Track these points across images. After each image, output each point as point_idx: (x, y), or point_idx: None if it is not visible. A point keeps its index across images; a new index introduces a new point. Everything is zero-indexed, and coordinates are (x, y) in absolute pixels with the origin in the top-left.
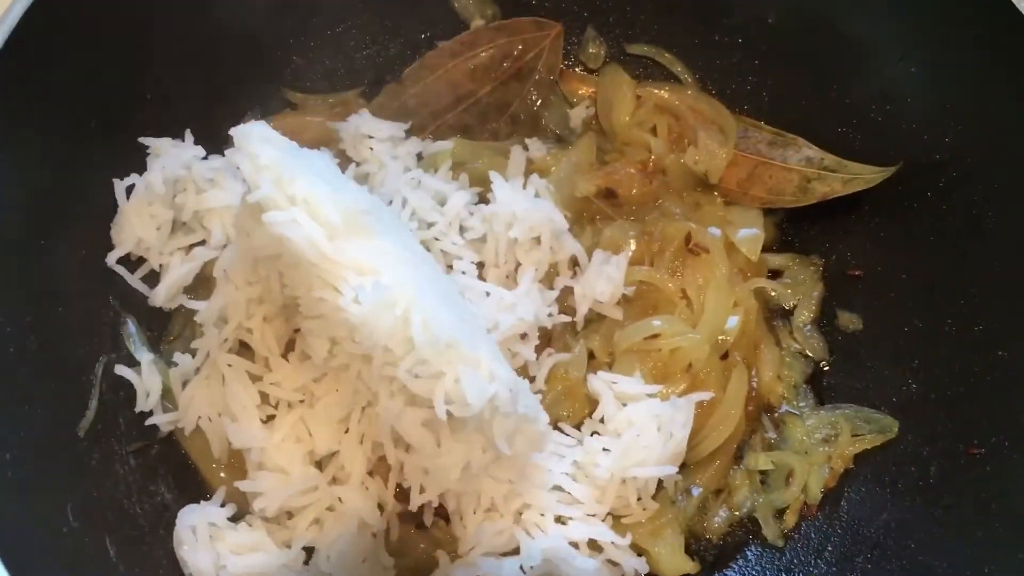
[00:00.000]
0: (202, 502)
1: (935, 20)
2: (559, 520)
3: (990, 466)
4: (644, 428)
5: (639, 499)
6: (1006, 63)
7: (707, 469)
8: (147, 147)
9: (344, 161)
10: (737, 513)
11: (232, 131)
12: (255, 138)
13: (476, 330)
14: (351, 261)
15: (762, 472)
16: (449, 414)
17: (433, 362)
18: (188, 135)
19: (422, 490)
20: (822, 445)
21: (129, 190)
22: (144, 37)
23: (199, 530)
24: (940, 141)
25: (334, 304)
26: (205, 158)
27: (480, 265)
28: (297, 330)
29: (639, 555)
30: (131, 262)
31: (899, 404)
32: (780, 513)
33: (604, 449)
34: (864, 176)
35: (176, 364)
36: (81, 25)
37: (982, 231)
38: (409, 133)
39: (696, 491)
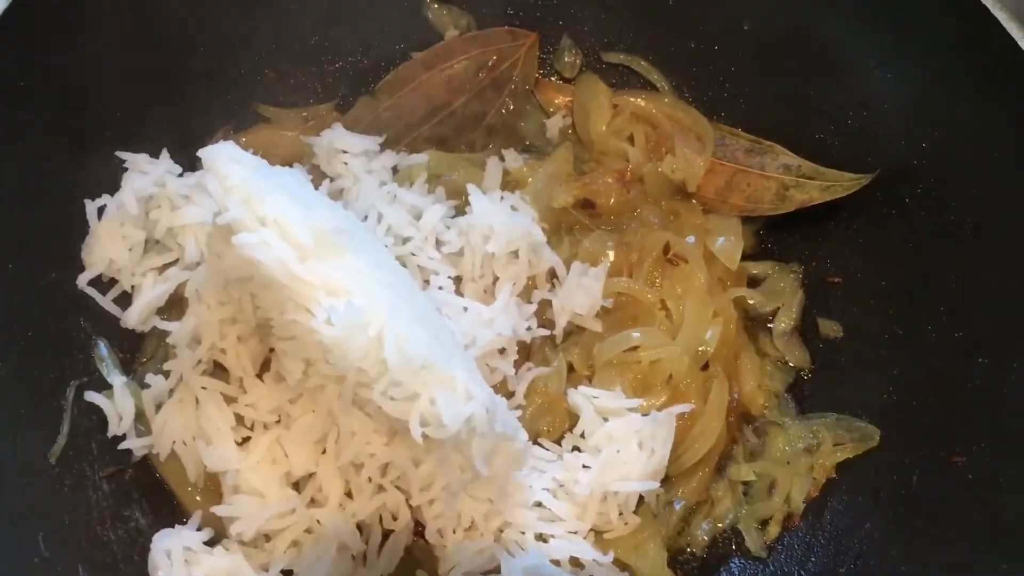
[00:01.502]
0: (177, 526)
1: (910, 26)
2: (540, 538)
3: (972, 474)
4: (625, 444)
5: (620, 514)
6: (982, 69)
7: (689, 481)
8: (118, 166)
9: (318, 176)
10: (720, 525)
11: (201, 152)
12: (224, 158)
13: (452, 349)
14: (323, 282)
15: (744, 483)
16: (426, 435)
17: (407, 384)
18: (164, 153)
19: (398, 514)
20: (804, 455)
21: (101, 211)
22: (114, 53)
23: (174, 554)
24: (917, 147)
25: (306, 326)
26: (181, 175)
27: (457, 279)
28: (272, 350)
29: (622, 570)
30: (102, 283)
31: (880, 412)
32: (763, 524)
33: (584, 466)
34: (842, 183)
35: (149, 386)
36: (50, 42)
37: (960, 237)
38: (384, 146)
39: (678, 504)
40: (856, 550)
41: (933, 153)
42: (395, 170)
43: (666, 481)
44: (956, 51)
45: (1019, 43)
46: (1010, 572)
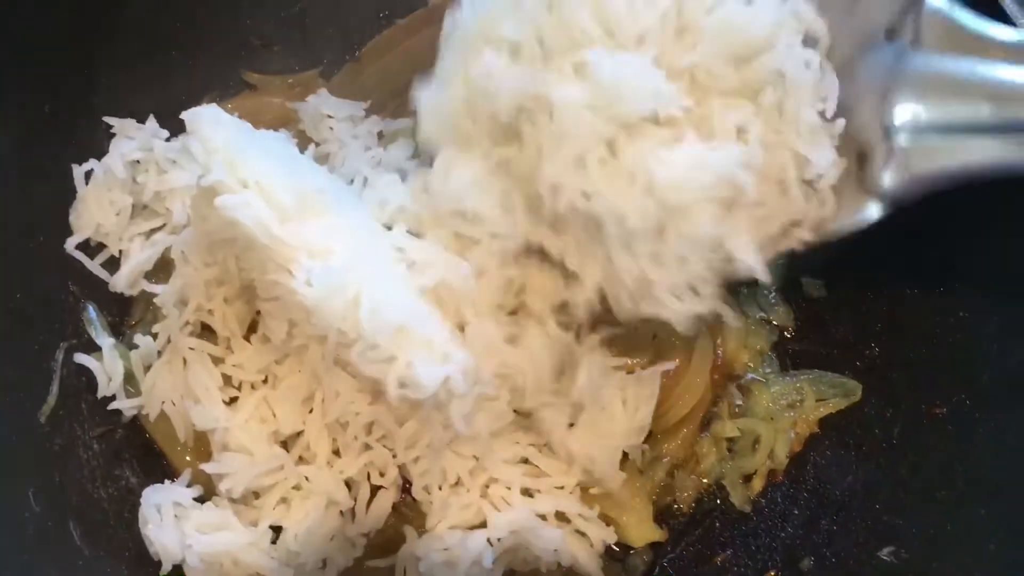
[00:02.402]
0: (167, 482)
1: None
2: (526, 493)
3: (952, 425)
4: (609, 402)
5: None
6: None
7: (674, 438)
8: (105, 131)
9: (304, 141)
10: (705, 480)
11: (184, 115)
12: (207, 121)
13: (430, 312)
14: (303, 243)
15: (729, 439)
16: (404, 396)
17: (384, 346)
18: (151, 118)
19: (385, 470)
20: (787, 411)
21: (88, 175)
22: (99, 19)
23: (164, 509)
24: None
25: (287, 287)
26: (168, 140)
27: None
28: (259, 312)
29: (608, 525)
30: (91, 248)
31: (863, 368)
32: (747, 479)
33: (570, 424)
34: None
35: (138, 346)
36: (33, 7)
37: (942, 199)
38: (369, 112)
39: (664, 460)
40: (838, 502)
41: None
42: (380, 135)
43: (651, 438)
44: None
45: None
46: (989, 520)
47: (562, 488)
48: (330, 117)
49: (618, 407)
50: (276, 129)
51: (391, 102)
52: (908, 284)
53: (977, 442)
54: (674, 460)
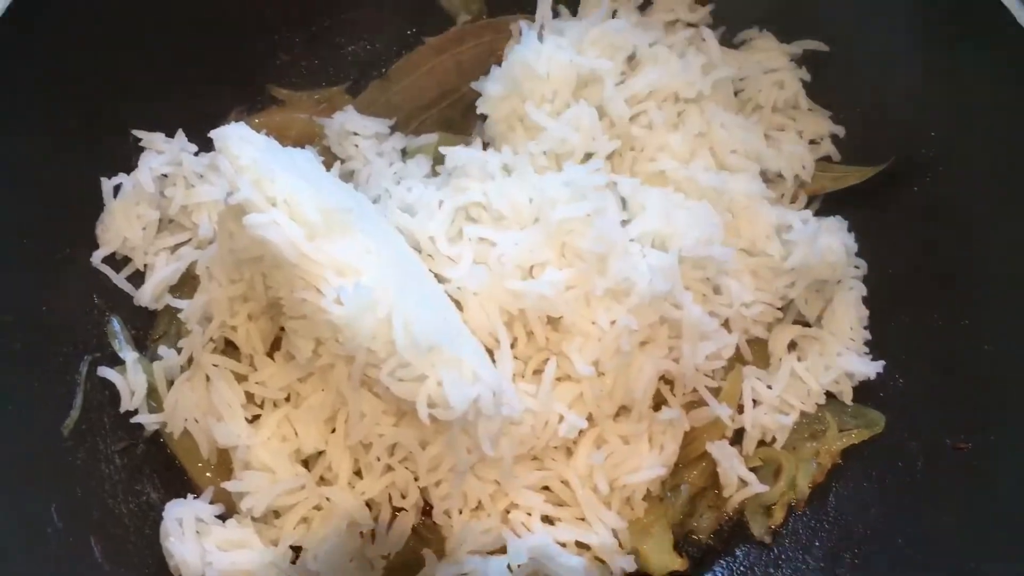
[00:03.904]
0: (190, 497)
1: (922, 19)
2: (546, 520)
3: (976, 461)
4: (636, 439)
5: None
6: (993, 59)
7: (695, 466)
8: (133, 144)
9: (329, 158)
10: (725, 510)
11: (212, 133)
12: (235, 139)
13: (459, 330)
14: (332, 261)
15: (751, 469)
16: (433, 417)
17: (415, 365)
18: (180, 132)
19: (407, 492)
20: (809, 441)
21: (116, 189)
22: (128, 34)
23: (186, 523)
24: (926, 137)
25: (316, 305)
26: (196, 154)
27: None
28: (282, 328)
29: (628, 553)
30: (116, 261)
31: (886, 398)
32: (768, 510)
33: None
34: (853, 173)
35: (161, 358)
36: (65, 22)
37: (968, 226)
38: (393, 129)
39: (684, 488)
40: (861, 535)
41: (942, 143)
42: (404, 152)
43: (673, 466)
44: (968, 39)
45: None
46: (1014, 559)
47: (583, 519)
48: (356, 135)
49: (644, 443)
50: (302, 145)
51: (415, 119)
52: (932, 314)
53: (1002, 478)
54: (694, 488)
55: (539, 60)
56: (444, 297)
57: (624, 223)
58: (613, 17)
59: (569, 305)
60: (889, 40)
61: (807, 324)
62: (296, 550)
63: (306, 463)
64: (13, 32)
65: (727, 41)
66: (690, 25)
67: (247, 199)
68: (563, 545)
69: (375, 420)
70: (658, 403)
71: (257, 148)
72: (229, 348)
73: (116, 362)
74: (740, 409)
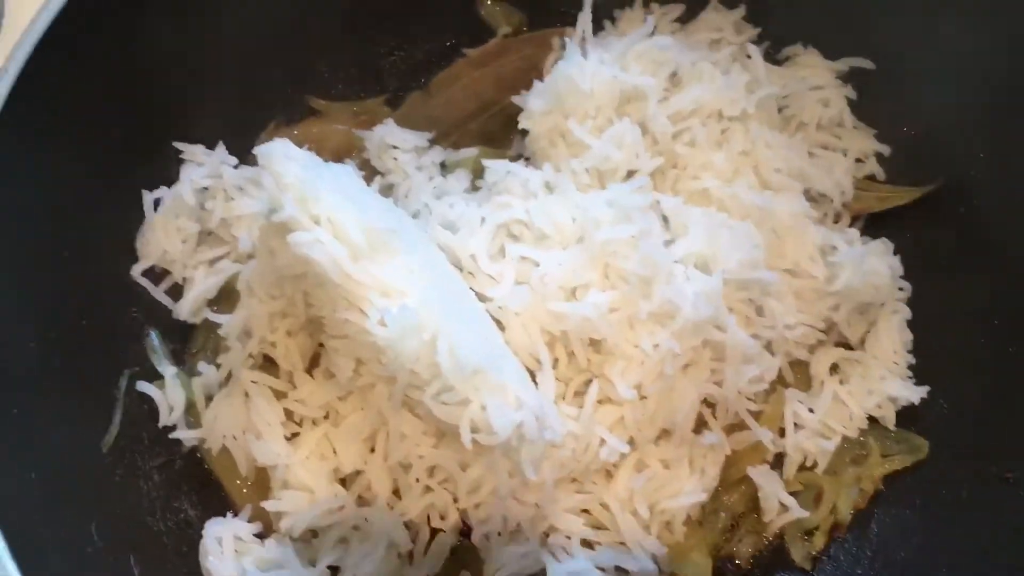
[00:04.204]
0: (228, 515)
1: (972, 38)
2: (586, 544)
3: (1022, 491)
4: (677, 463)
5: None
6: None
7: (736, 490)
8: (173, 155)
9: (368, 171)
10: (765, 535)
11: (256, 150)
12: (278, 156)
13: (502, 354)
14: (376, 282)
15: (791, 493)
16: (476, 441)
17: (459, 389)
18: (220, 145)
19: (446, 514)
20: (851, 466)
21: (157, 202)
22: (167, 44)
23: (225, 542)
24: (975, 159)
25: (359, 326)
26: (236, 166)
27: None
28: (321, 344)
29: None
30: (155, 274)
31: (930, 424)
32: (809, 535)
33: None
34: (899, 193)
35: (200, 373)
36: (106, 33)
37: (1017, 251)
38: (433, 142)
39: (724, 512)
40: (903, 564)
41: (990, 164)
42: (443, 165)
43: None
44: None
45: None
46: None
47: (622, 544)
48: (395, 148)
49: (684, 468)
50: (341, 157)
51: (454, 132)
52: (979, 339)
53: None
54: (734, 512)
55: (583, 76)
56: (486, 317)
57: (667, 243)
58: (654, 33)
59: (612, 328)
60: (937, 58)
61: (850, 347)
62: (334, 570)
63: (344, 482)
64: (55, 46)
65: (771, 57)
66: (737, 39)
67: (291, 217)
68: (602, 570)
69: (415, 441)
70: (698, 425)
71: (301, 165)
72: (268, 364)
73: (155, 377)
74: (781, 432)
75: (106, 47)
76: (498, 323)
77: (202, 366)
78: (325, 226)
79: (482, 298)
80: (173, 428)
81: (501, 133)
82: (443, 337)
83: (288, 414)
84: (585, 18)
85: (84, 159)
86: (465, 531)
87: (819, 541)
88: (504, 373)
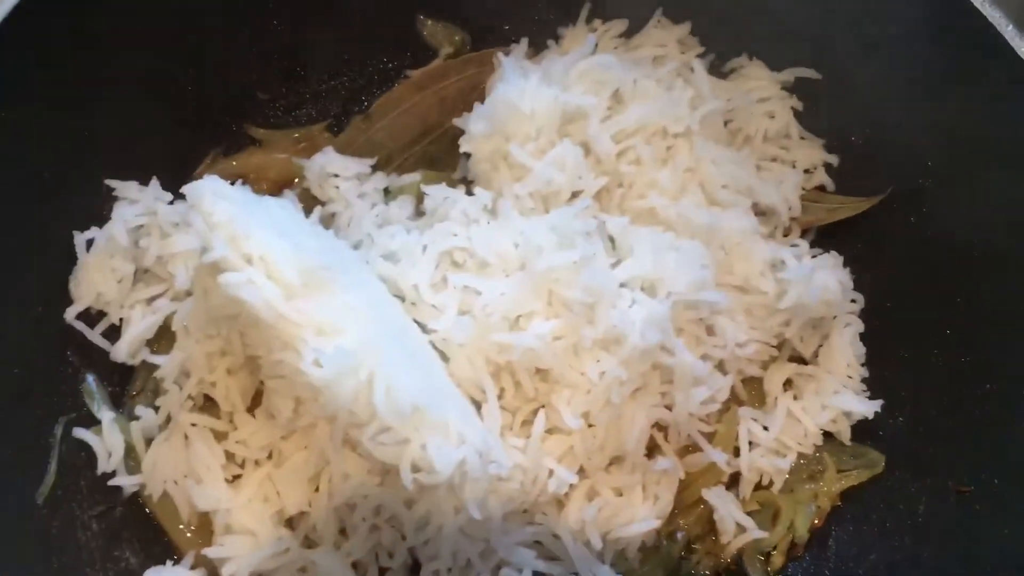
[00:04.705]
0: (169, 563)
1: (917, 47)
2: None
3: (979, 504)
4: (630, 490)
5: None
6: (991, 86)
7: (691, 512)
8: (107, 193)
9: (309, 201)
10: (723, 557)
11: (184, 189)
12: (208, 194)
13: (444, 390)
14: (310, 321)
15: (748, 513)
16: (417, 480)
17: (398, 429)
18: (154, 181)
19: (394, 552)
20: (808, 483)
21: (89, 243)
22: (100, 74)
23: None
24: (923, 167)
25: (295, 367)
26: (171, 202)
27: None
28: (263, 382)
29: None
30: (91, 316)
31: (886, 438)
32: (767, 555)
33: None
34: (849, 204)
35: (139, 418)
36: (31, 66)
37: (968, 259)
38: (375, 167)
39: (680, 535)
40: None
41: (939, 172)
42: (387, 191)
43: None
44: (963, 69)
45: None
46: None
47: (576, 574)
48: (336, 176)
49: (637, 494)
50: (281, 187)
51: (398, 157)
52: (933, 351)
53: (1006, 523)
54: (691, 535)
55: (523, 97)
56: (429, 351)
57: (613, 265)
58: (596, 51)
59: (557, 356)
60: (883, 67)
61: (803, 361)
62: None
63: (290, 523)
64: None
65: (716, 70)
66: (681, 54)
67: (222, 257)
68: None
69: (359, 481)
70: (651, 450)
71: (232, 202)
72: (208, 403)
73: (92, 422)
74: (736, 452)
75: (34, 78)
76: (442, 355)
77: (140, 409)
78: (258, 265)
79: (425, 329)
80: (112, 475)
81: (446, 156)
82: (380, 377)
83: (229, 456)
84: (523, 41)
85: (12, 199)
86: (415, 568)
87: (777, 560)
88: (445, 410)
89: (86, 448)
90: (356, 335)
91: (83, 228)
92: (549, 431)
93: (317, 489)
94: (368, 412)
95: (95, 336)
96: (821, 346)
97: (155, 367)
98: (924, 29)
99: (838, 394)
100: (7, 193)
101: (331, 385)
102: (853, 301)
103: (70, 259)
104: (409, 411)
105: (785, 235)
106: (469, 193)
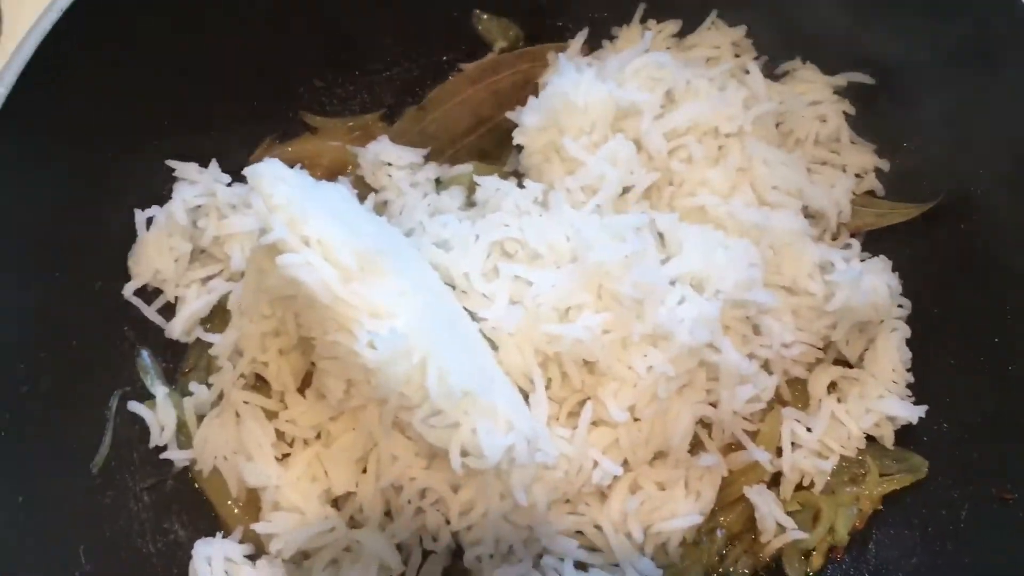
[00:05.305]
0: (219, 535)
1: (972, 53)
2: (580, 566)
3: (1022, 512)
4: (673, 485)
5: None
6: None
7: (732, 510)
8: (167, 174)
9: (362, 188)
10: (762, 555)
11: (246, 171)
12: (268, 177)
13: (494, 376)
14: (366, 304)
15: (789, 513)
16: (466, 465)
17: (449, 412)
18: (213, 163)
19: (438, 536)
20: (849, 485)
21: (149, 221)
22: (161, 62)
23: (215, 562)
24: (975, 174)
25: (348, 348)
26: (229, 184)
27: None
28: (314, 363)
29: None
30: (147, 293)
31: (929, 443)
32: (806, 556)
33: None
34: (899, 210)
35: (191, 394)
36: (99, 51)
37: (1018, 268)
38: (427, 158)
39: (720, 533)
40: None
41: (990, 181)
42: (438, 182)
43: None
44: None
45: None
46: None
47: (616, 566)
48: (389, 165)
49: (680, 489)
50: (335, 174)
51: (449, 148)
52: (979, 358)
53: None
54: (731, 533)
55: (577, 92)
56: (479, 338)
57: (662, 261)
58: (651, 49)
59: (605, 349)
60: (936, 73)
61: (848, 364)
62: None
63: (336, 503)
64: (48, 63)
65: (769, 72)
66: (735, 56)
67: (280, 239)
68: None
69: (407, 463)
70: (695, 446)
71: (291, 186)
72: (260, 383)
73: (146, 397)
74: (778, 452)
75: (99, 65)
76: (491, 343)
77: (193, 386)
78: (315, 247)
79: (475, 318)
80: (164, 448)
81: (497, 149)
82: (432, 360)
83: (279, 434)
84: (581, 35)
85: (76, 177)
86: (458, 552)
87: (816, 562)
88: (495, 396)
89: (140, 422)
90: (409, 319)
91: (144, 207)
92: (595, 423)
93: (365, 470)
94: (420, 395)
95: (151, 313)
96: (867, 350)
97: (208, 345)
98: (977, 36)
99: (882, 398)
100: (72, 172)
101: (384, 367)
102: (900, 307)
103: (130, 237)
104: (460, 395)
105: (834, 239)
106: (520, 186)
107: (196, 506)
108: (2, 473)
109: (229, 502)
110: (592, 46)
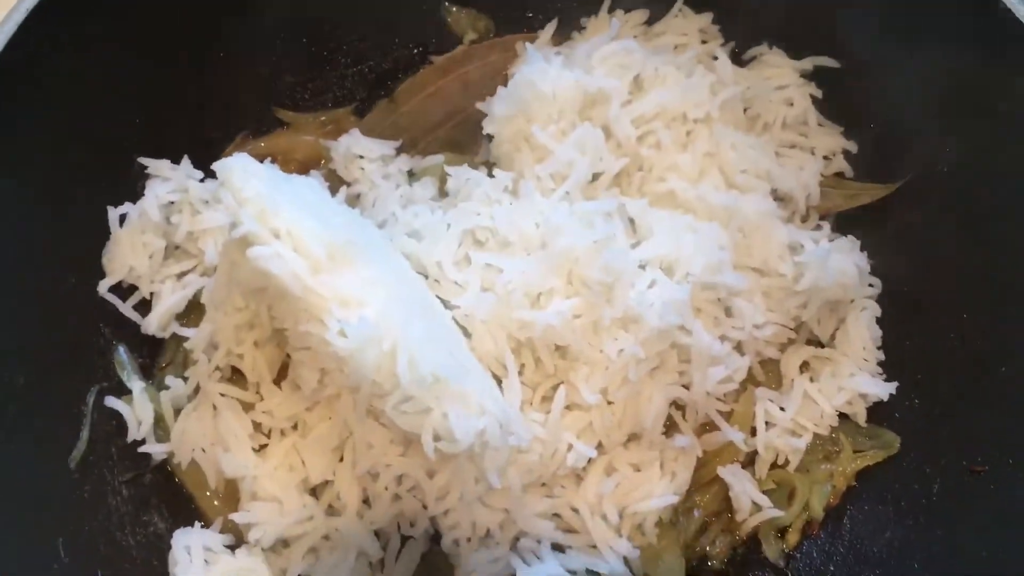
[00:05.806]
0: (198, 525)
1: (935, 34)
2: (557, 547)
3: (993, 484)
4: (647, 466)
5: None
6: (1010, 72)
7: (708, 490)
8: (139, 171)
9: (335, 182)
10: (738, 534)
11: (215, 165)
12: (238, 171)
13: (465, 362)
14: (336, 294)
15: (764, 491)
16: (439, 449)
17: (420, 398)
18: (185, 159)
19: (415, 521)
20: (823, 463)
21: (122, 218)
22: (133, 58)
23: (194, 552)
24: (942, 152)
25: (320, 337)
26: (202, 180)
27: None
28: (289, 355)
29: None
30: (122, 289)
31: (901, 419)
32: (782, 533)
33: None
34: (867, 191)
35: (168, 387)
36: (70, 47)
37: (985, 244)
38: (400, 150)
39: (697, 512)
40: (876, 559)
41: (959, 160)
42: (411, 173)
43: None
44: (984, 55)
45: None
46: None
47: (594, 547)
48: (361, 157)
49: (655, 470)
50: (308, 168)
51: (421, 140)
52: (948, 335)
53: (1019, 502)
54: (707, 513)
55: (545, 80)
56: (451, 326)
57: (632, 246)
58: (618, 37)
59: (576, 334)
60: (901, 54)
61: (820, 344)
62: None
63: (314, 492)
64: (16, 62)
65: (736, 58)
66: (702, 43)
67: (250, 232)
68: (574, 573)
69: (382, 450)
70: (669, 427)
71: (260, 179)
72: (236, 375)
73: (123, 392)
74: (752, 432)
75: (68, 63)
76: (464, 330)
77: (170, 380)
78: (285, 239)
79: (448, 306)
80: (142, 442)
81: (469, 139)
82: (402, 347)
83: (256, 426)
84: (550, 25)
85: (48, 176)
86: (436, 538)
87: (792, 538)
88: (466, 381)
89: (117, 416)
90: (380, 308)
91: (116, 204)
92: (568, 407)
93: (341, 459)
94: (391, 382)
95: (127, 309)
96: (838, 329)
97: (184, 339)
98: (942, 16)
99: (854, 376)
100: (44, 169)
101: (355, 355)
102: (871, 286)
103: (104, 234)
104: (431, 381)
105: (804, 221)
106: (490, 175)
107: (175, 498)
108: None
109: (208, 493)
110: (562, 37)
